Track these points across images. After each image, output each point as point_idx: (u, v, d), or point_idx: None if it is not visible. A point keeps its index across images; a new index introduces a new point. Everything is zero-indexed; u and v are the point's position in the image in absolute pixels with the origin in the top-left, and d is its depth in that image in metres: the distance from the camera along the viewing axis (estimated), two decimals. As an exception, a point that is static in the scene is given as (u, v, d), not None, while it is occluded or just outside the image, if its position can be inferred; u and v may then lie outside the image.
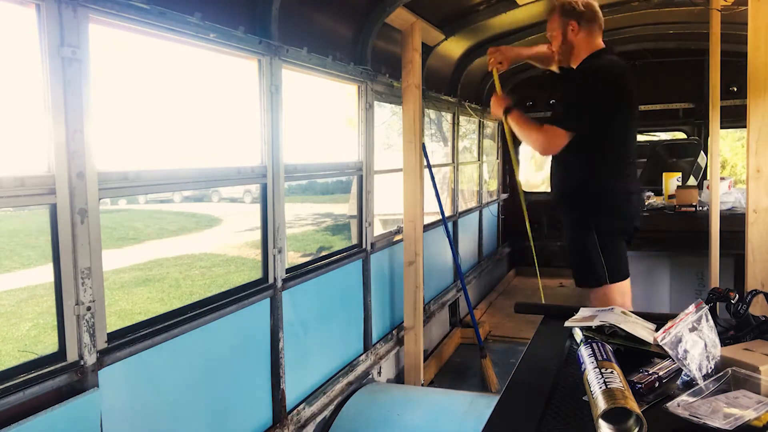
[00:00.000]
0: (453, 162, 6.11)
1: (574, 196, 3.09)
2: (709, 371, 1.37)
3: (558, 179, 3.17)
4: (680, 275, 5.12)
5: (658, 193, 5.62)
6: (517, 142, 7.28)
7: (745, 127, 3.35)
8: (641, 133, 7.87)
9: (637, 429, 1.14)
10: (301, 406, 3.16)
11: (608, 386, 1.21)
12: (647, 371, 1.42)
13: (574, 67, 3.09)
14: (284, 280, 2.99)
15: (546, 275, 7.39)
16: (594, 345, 1.42)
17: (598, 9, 3.14)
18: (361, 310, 3.99)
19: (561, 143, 2.92)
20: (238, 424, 2.73)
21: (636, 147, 3.24)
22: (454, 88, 5.80)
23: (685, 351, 1.37)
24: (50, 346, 2.52)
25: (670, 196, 5.33)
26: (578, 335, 1.67)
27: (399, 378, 4.53)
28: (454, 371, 5.12)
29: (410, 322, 4.25)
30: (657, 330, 1.55)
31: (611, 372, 1.27)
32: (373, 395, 3.60)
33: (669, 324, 1.45)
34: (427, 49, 4.72)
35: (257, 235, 2.96)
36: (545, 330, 1.89)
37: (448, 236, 5.12)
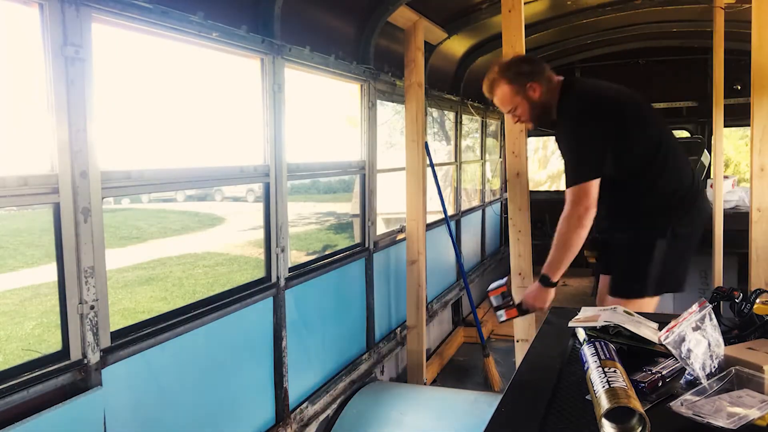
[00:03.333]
0: (456, 161, 6.11)
1: (636, 221, 2.70)
2: (713, 370, 1.36)
3: (614, 217, 2.79)
4: (684, 274, 5.10)
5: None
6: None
7: (749, 125, 3.35)
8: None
9: (640, 428, 1.13)
10: (304, 405, 3.17)
11: (611, 385, 1.21)
12: (651, 370, 1.41)
13: (556, 117, 2.71)
14: (287, 279, 2.99)
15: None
16: (597, 344, 1.42)
17: (527, 55, 2.97)
18: (363, 309, 3.99)
19: (589, 199, 2.50)
20: (241, 422, 2.73)
21: (673, 144, 2.74)
22: (456, 87, 5.80)
23: (689, 350, 1.37)
24: (54, 344, 2.53)
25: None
26: (581, 334, 1.67)
27: (402, 377, 4.53)
28: (456, 370, 5.12)
29: (413, 321, 4.25)
30: (660, 329, 1.55)
31: (614, 371, 1.27)
32: (376, 394, 3.60)
33: (672, 323, 1.44)
34: (429, 48, 4.71)
35: (260, 234, 2.96)
36: (548, 329, 1.89)
37: (451, 235, 5.11)
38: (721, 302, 1.67)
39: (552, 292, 2.69)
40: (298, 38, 3.04)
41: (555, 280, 2.65)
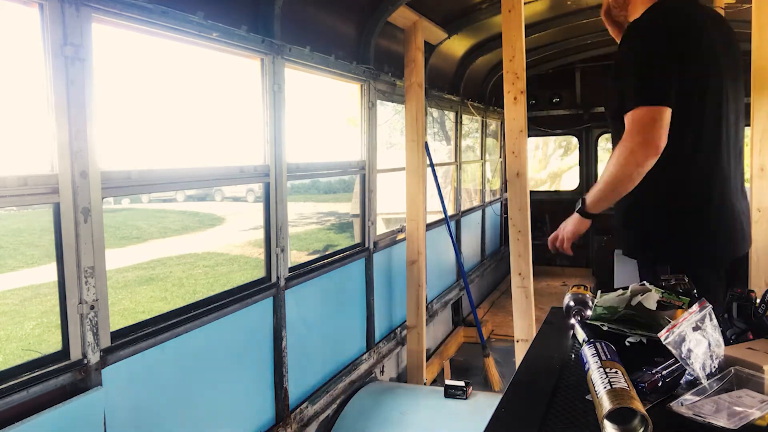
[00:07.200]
0: (456, 161, 6.11)
1: (630, 213, 2.20)
2: (713, 370, 1.36)
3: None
4: (683, 274, 5.10)
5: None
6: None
7: (748, 125, 3.34)
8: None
9: (642, 429, 1.13)
10: (304, 405, 3.17)
11: (613, 386, 1.21)
12: (651, 370, 1.41)
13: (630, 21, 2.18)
14: (287, 279, 2.99)
15: (549, 275, 7.38)
16: (597, 344, 1.42)
17: None
18: (363, 309, 3.99)
19: (658, 130, 1.89)
20: (241, 422, 2.73)
21: (736, 134, 2.13)
22: (456, 87, 5.80)
23: (689, 350, 1.37)
24: (54, 344, 2.53)
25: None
26: (581, 334, 1.67)
27: (401, 377, 4.53)
28: (456, 370, 5.12)
29: (413, 321, 4.25)
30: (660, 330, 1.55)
31: (615, 372, 1.27)
32: (376, 394, 3.60)
33: (673, 323, 1.44)
34: (429, 48, 4.71)
35: (260, 234, 2.96)
36: (548, 329, 1.89)
37: (451, 235, 5.11)
38: (735, 304, 1.65)
39: (586, 224, 2.18)
40: (298, 38, 3.03)
41: (592, 211, 2.14)
